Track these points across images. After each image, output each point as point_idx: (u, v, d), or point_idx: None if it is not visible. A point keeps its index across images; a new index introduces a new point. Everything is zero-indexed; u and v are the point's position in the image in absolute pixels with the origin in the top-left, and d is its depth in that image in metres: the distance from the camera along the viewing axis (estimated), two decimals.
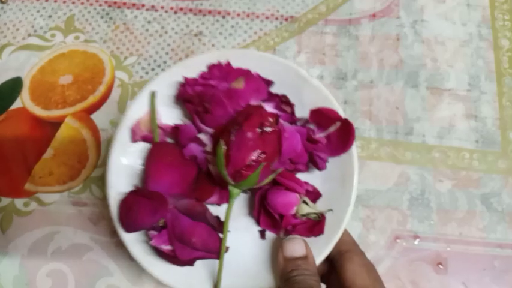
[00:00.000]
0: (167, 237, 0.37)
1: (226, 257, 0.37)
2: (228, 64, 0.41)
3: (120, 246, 0.48)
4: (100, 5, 0.60)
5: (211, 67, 0.41)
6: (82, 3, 0.61)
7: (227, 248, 0.38)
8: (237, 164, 0.35)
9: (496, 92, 0.55)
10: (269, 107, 0.39)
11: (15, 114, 0.55)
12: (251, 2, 0.60)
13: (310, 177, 0.40)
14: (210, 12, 0.60)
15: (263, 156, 0.35)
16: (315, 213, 0.38)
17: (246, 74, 0.40)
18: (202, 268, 0.38)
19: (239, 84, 0.39)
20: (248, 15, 0.59)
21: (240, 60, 0.41)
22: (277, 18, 0.59)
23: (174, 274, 0.38)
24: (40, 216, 0.50)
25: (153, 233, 0.37)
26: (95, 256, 0.48)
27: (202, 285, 0.38)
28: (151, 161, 0.39)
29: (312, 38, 0.58)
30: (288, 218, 0.38)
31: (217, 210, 0.39)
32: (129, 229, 0.38)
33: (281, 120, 0.38)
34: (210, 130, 0.39)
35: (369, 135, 0.53)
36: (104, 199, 0.50)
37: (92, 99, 0.55)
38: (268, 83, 0.40)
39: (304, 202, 0.38)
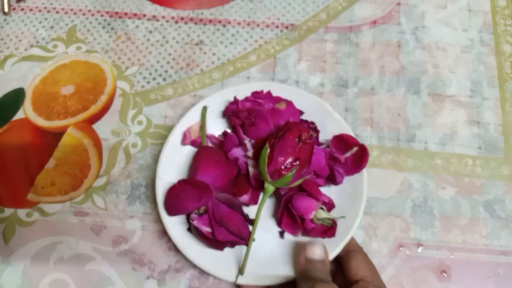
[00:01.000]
0: (207, 221, 0.44)
1: (251, 248, 0.44)
2: (269, 92, 0.51)
3: (122, 256, 0.49)
4: (102, 16, 0.61)
5: (255, 93, 0.51)
6: (84, 14, 0.61)
7: (254, 238, 0.45)
8: (277, 164, 0.43)
9: (498, 98, 0.55)
10: None
11: (17, 124, 0.55)
12: (251, 11, 0.60)
13: (327, 191, 0.47)
14: (210, 21, 0.60)
15: (297, 161, 0.43)
16: (329, 219, 0.45)
17: (284, 101, 0.50)
18: (229, 255, 0.45)
19: (282, 106, 0.49)
20: (248, 24, 0.60)
21: (279, 91, 0.51)
22: (277, 27, 0.59)
23: (205, 257, 0.45)
24: (42, 226, 0.50)
25: (195, 216, 0.44)
26: (97, 266, 0.48)
27: (228, 268, 0.45)
28: (200, 158, 0.48)
29: (313, 45, 0.58)
30: (307, 220, 0.45)
31: (246, 210, 0.47)
32: (172, 213, 0.46)
33: None
34: (251, 140, 0.48)
35: (370, 142, 0.53)
36: (106, 209, 0.51)
37: (93, 109, 0.55)
38: (300, 112, 0.50)
39: (322, 208, 0.45)
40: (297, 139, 0.44)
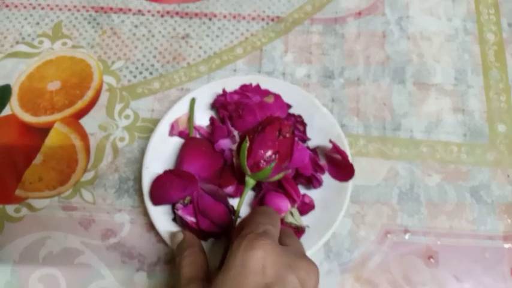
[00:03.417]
0: (192, 211, 0.45)
1: None
2: (257, 86, 0.51)
3: (111, 249, 0.49)
4: (87, 11, 0.61)
5: (244, 86, 0.51)
6: (69, 10, 0.61)
7: None
8: (256, 157, 0.43)
9: (482, 85, 0.55)
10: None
11: (4, 121, 0.55)
12: (237, 4, 0.61)
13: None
14: (196, 14, 0.60)
15: (277, 155, 0.44)
16: (296, 225, 0.45)
17: (272, 94, 0.50)
18: (212, 245, 0.45)
19: (269, 99, 0.49)
20: (234, 17, 0.60)
21: (267, 84, 0.51)
22: (263, 19, 0.60)
23: None
24: (31, 222, 0.50)
25: (180, 205, 0.45)
26: (86, 260, 0.48)
27: (210, 260, 0.43)
28: (187, 148, 0.48)
29: (299, 37, 0.58)
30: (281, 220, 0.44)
31: (231, 202, 0.47)
32: (158, 202, 0.46)
33: (296, 138, 0.45)
34: (239, 133, 0.48)
35: (356, 132, 0.53)
36: (94, 203, 0.51)
37: (80, 104, 0.55)
38: (288, 105, 0.51)
39: (291, 213, 0.46)
40: (277, 133, 0.44)
